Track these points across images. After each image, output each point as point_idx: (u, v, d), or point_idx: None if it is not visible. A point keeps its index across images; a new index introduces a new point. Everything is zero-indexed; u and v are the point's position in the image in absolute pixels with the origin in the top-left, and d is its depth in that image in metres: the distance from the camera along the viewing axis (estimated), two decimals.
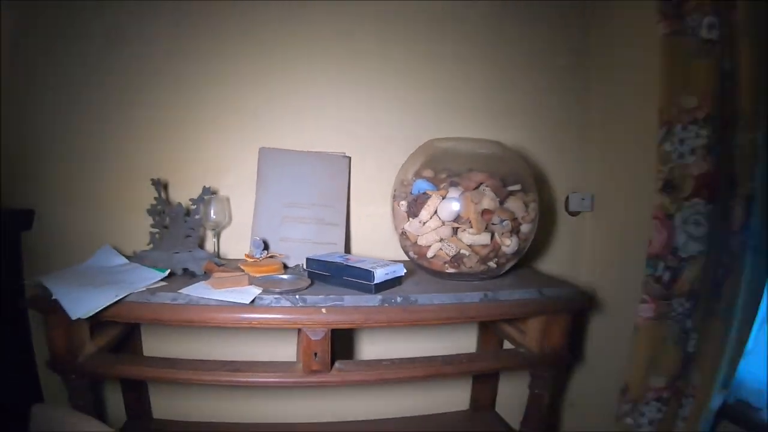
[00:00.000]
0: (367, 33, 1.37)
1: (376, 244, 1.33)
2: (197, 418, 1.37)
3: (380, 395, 1.48)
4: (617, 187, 1.41)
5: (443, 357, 1.17)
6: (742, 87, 1.08)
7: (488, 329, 1.42)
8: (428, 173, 1.14)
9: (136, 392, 1.36)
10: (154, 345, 1.32)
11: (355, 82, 1.37)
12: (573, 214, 1.49)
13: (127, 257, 1.16)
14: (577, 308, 1.17)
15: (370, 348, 1.43)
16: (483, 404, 1.53)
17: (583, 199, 1.47)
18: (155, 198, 1.21)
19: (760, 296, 1.11)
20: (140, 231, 1.22)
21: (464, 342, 1.48)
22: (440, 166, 1.15)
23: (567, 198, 1.50)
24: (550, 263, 1.52)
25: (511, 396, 1.48)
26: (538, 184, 1.25)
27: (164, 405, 1.38)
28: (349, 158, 1.33)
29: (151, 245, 1.20)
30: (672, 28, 1.16)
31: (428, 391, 1.51)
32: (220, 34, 1.30)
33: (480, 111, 1.44)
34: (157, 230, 1.20)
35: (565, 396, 1.62)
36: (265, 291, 1.01)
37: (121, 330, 1.17)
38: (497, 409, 1.54)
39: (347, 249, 1.34)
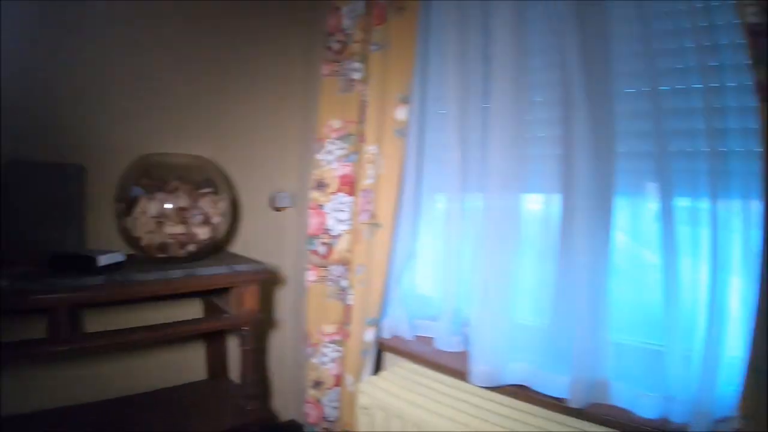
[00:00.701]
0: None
1: (108, 239, 1.53)
2: None
3: (128, 370, 1.67)
4: (306, 188, 1.83)
5: (165, 323, 1.49)
6: (370, 114, 1.48)
7: (208, 304, 1.72)
8: (142, 180, 1.49)
9: None
10: None
11: (88, 97, 1.55)
12: (278, 209, 1.92)
13: None
14: (262, 279, 1.52)
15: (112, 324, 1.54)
16: (218, 372, 1.81)
17: (285, 197, 1.90)
18: None
19: (386, 256, 1.48)
20: None
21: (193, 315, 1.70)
22: (153, 174, 1.47)
23: (272, 196, 1.91)
24: (260, 248, 1.85)
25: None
26: (245, 186, 1.64)
27: None
28: (85, 168, 1.52)
29: None
30: (330, 70, 1.58)
31: (170, 365, 1.75)
32: None
33: (207, 128, 1.78)
34: None
35: (269, 351, 2.00)
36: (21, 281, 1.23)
37: None
38: (231, 376, 1.82)
39: (84, 245, 1.52)
